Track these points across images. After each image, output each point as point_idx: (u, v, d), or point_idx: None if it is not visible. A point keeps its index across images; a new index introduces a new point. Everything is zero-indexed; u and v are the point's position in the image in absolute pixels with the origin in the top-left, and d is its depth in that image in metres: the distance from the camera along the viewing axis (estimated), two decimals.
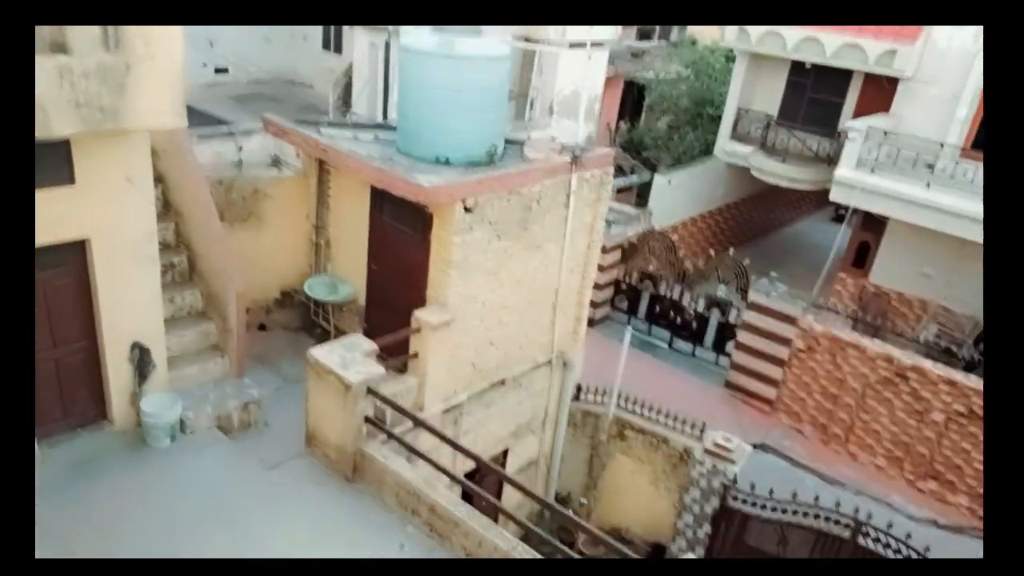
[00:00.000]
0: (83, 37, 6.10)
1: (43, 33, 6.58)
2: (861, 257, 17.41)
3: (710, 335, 14.65)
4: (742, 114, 18.67)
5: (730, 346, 13.88)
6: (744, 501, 9.83)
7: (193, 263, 8.56)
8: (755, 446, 10.67)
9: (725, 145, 19.03)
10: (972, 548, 9.94)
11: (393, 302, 9.07)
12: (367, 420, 7.14)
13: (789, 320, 12.85)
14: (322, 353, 7.15)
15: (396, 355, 8.16)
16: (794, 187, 18.08)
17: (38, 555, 5.96)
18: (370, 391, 6.97)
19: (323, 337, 9.57)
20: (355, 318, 9.68)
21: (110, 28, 5.76)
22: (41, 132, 5.40)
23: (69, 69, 5.42)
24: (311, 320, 9.91)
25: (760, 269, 16.09)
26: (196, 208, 8.24)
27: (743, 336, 13.38)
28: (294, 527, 6.60)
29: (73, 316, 6.95)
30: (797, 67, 17.77)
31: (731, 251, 16.40)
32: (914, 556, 9.01)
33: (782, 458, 11.65)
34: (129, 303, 7.14)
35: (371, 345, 7.38)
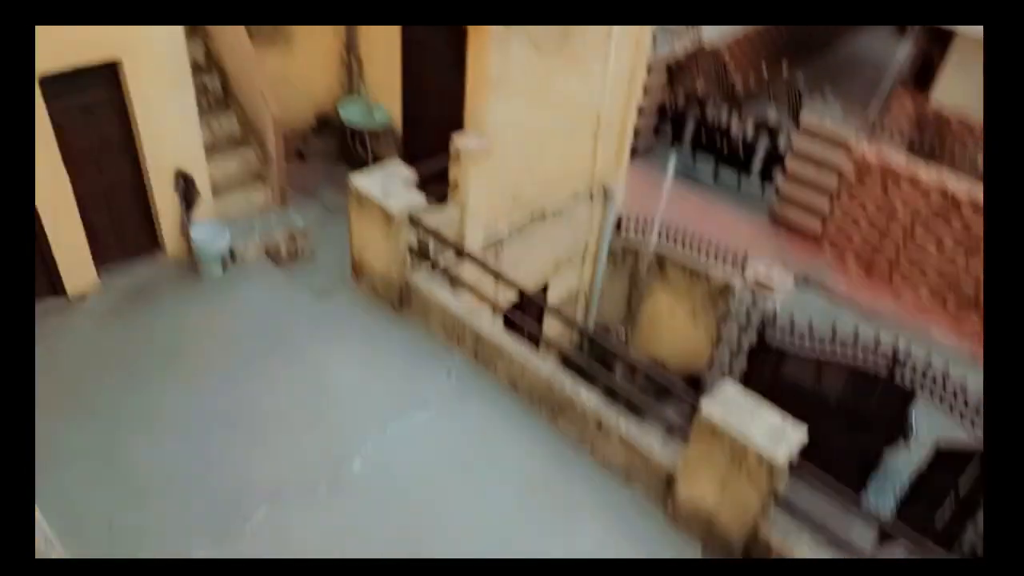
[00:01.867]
0: None
1: None
2: (923, 76, 16.27)
3: (757, 163, 14.12)
4: None
5: (777, 176, 13.43)
6: (782, 336, 9.91)
7: (227, 87, 8.26)
8: (797, 280, 10.60)
9: None
10: None
11: (431, 128, 8.76)
12: (411, 250, 7.16)
13: (841, 146, 12.28)
14: (362, 181, 7.03)
15: (436, 185, 8.01)
16: None
17: (114, 374, 6.29)
18: (412, 220, 6.92)
19: (361, 166, 9.40)
20: (392, 146, 9.44)
21: None
22: None
23: None
24: (348, 148, 9.69)
25: (815, 88, 15.19)
26: (225, 28, 7.81)
27: (792, 163, 12.90)
28: (347, 352, 6.86)
29: (115, 144, 6.84)
30: None
31: (784, 66, 15.42)
32: (951, 392, 9.15)
33: (823, 293, 11.63)
34: (167, 128, 6.98)
35: (410, 173, 7.22)
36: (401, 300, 7.30)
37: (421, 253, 7.29)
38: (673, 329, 11.64)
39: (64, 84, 6.18)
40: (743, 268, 10.31)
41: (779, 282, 9.73)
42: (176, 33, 6.66)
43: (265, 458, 5.83)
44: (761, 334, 9.95)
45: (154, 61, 6.61)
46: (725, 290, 10.65)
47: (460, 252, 7.56)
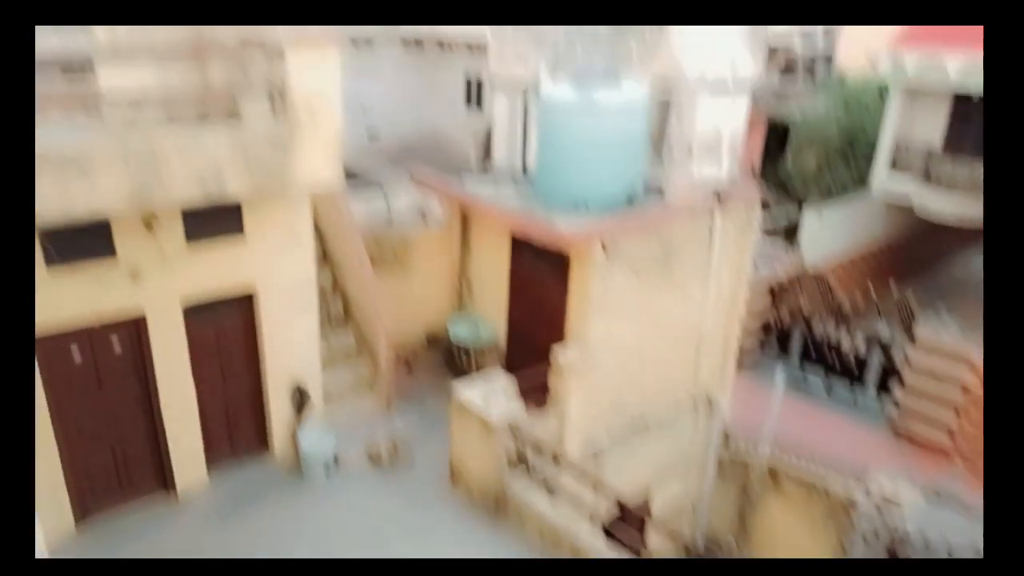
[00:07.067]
0: (255, 106, 6.88)
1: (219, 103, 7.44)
2: None
3: (871, 377, 13.64)
4: (901, 147, 17.39)
5: (895, 390, 12.82)
6: (917, 555, 8.92)
7: (348, 308, 9.19)
8: (927, 494, 9.70)
9: (884, 176, 17.80)
10: None
11: (532, 344, 9.23)
12: (509, 459, 7.25)
13: (963, 360, 11.75)
14: (465, 391, 7.38)
15: (535, 395, 8.26)
16: (964, 226, 16.55)
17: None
18: (511, 429, 7.10)
19: (465, 375, 9.87)
20: (496, 357, 9.91)
21: (277, 96, 6.45)
22: (218, 191, 6.08)
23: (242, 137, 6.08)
24: (454, 360, 10.28)
25: (927, 305, 14.89)
26: (350, 258, 8.88)
27: (910, 377, 12.35)
28: (440, 556, 6.77)
29: (240, 358, 7.63)
30: (963, 96, 16.38)
31: (892, 284, 15.32)
32: None
33: (958, 508, 10.50)
34: (291, 347, 7.75)
35: (511, 382, 7.52)
36: (497, 507, 7.27)
37: (519, 461, 7.36)
38: (789, 544, 10.68)
39: (203, 312, 7.13)
40: (865, 482, 9.60)
41: (906, 497, 8.95)
42: (309, 266, 7.63)
43: None
44: (892, 552, 8.97)
45: (287, 293, 7.54)
46: (847, 505, 9.84)
47: (558, 460, 7.59)
